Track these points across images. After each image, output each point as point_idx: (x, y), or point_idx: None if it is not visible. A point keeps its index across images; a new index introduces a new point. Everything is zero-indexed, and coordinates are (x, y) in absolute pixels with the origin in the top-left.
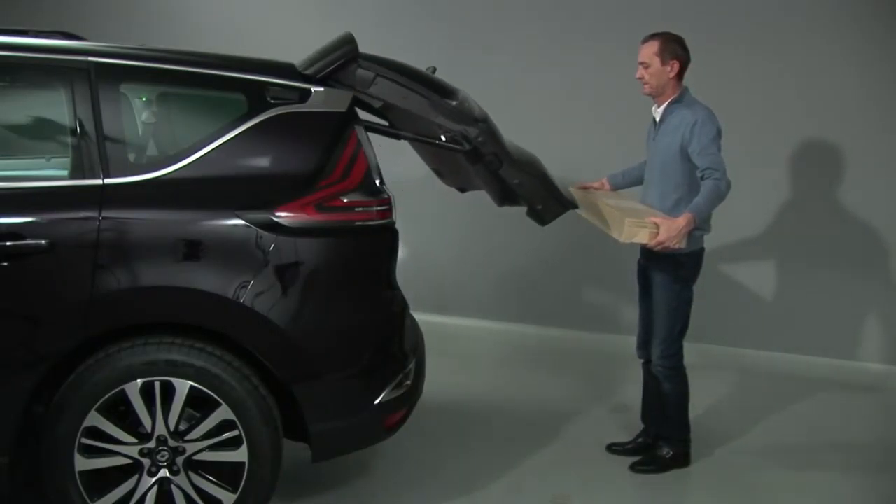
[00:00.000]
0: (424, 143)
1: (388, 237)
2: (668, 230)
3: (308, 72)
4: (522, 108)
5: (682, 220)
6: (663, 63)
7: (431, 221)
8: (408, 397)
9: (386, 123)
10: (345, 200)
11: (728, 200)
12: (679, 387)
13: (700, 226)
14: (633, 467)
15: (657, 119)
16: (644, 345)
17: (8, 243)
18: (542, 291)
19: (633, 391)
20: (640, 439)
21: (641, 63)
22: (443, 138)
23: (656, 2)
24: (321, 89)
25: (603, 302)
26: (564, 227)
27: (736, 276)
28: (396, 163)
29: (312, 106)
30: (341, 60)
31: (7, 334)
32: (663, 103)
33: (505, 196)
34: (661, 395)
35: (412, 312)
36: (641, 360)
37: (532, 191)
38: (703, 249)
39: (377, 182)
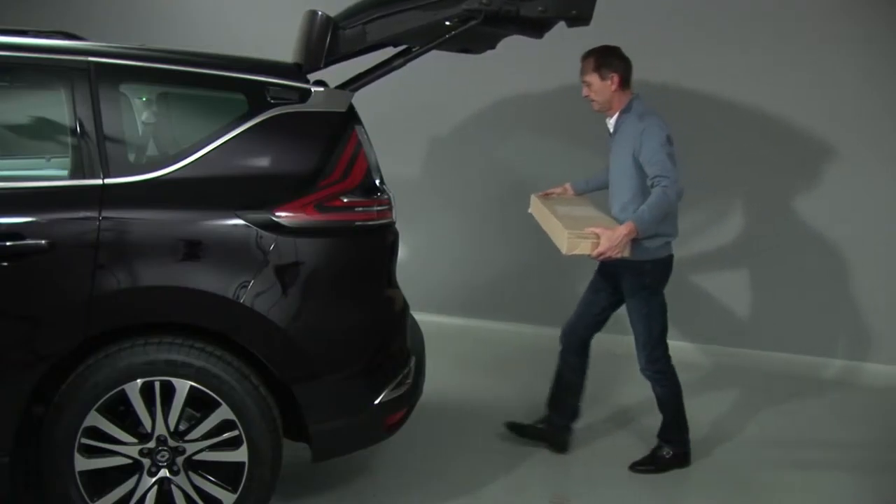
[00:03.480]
0: (444, 43)
1: (388, 237)
2: (608, 240)
3: (313, 67)
4: (514, 109)
5: (623, 230)
6: (603, 78)
7: (431, 221)
8: (408, 397)
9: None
10: (345, 200)
11: (726, 201)
12: (670, 388)
13: (662, 232)
14: (633, 467)
15: (611, 131)
16: (570, 332)
17: (8, 243)
18: (542, 291)
19: (633, 391)
20: (540, 425)
21: (584, 82)
22: (447, 24)
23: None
24: (321, 89)
25: None
26: None
27: (735, 277)
28: (396, 163)
29: (312, 106)
30: (329, 37)
31: (7, 334)
32: (614, 115)
33: (538, 27)
34: (656, 398)
35: (412, 312)
36: (560, 348)
37: (556, 6)
38: (671, 256)
39: (377, 182)
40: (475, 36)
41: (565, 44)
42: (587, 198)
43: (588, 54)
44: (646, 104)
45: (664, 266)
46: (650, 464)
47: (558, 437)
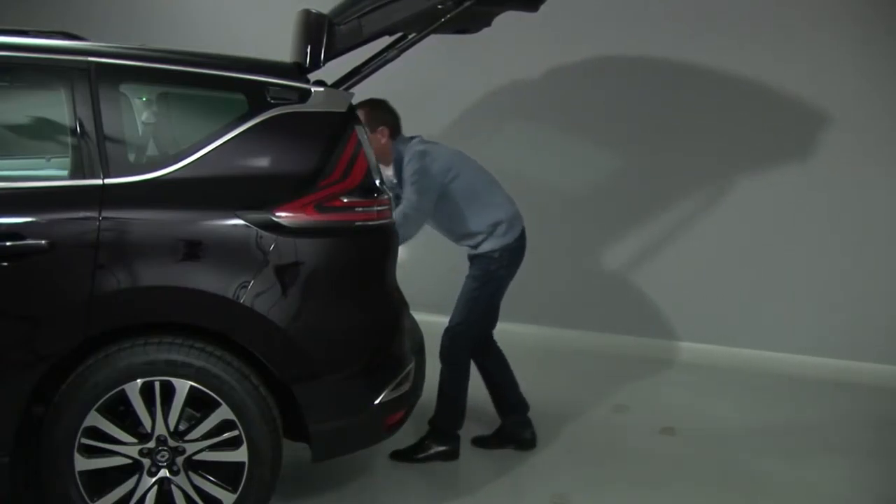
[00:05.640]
0: (441, 26)
1: (388, 237)
2: None
3: (313, 66)
4: (512, 103)
5: None
6: (373, 132)
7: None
8: (408, 397)
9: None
10: (345, 200)
11: (731, 199)
12: (457, 378)
13: (486, 227)
14: (394, 455)
15: (395, 181)
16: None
17: (8, 243)
18: (542, 291)
19: (632, 391)
20: (501, 432)
21: None
22: (440, 7)
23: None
24: (321, 89)
25: (602, 302)
26: (563, 227)
27: (734, 276)
28: None
29: (312, 106)
30: (325, 34)
31: (7, 334)
32: (390, 166)
33: (533, 0)
34: (440, 381)
35: (412, 312)
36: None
37: None
38: (517, 239)
39: (377, 182)
40: (470, 16)
41: (565, 33)
42: None
43: (356, 108)
44: (407, 138)
45: (512, 251)
46: (414, 453)
47: (522, 434)
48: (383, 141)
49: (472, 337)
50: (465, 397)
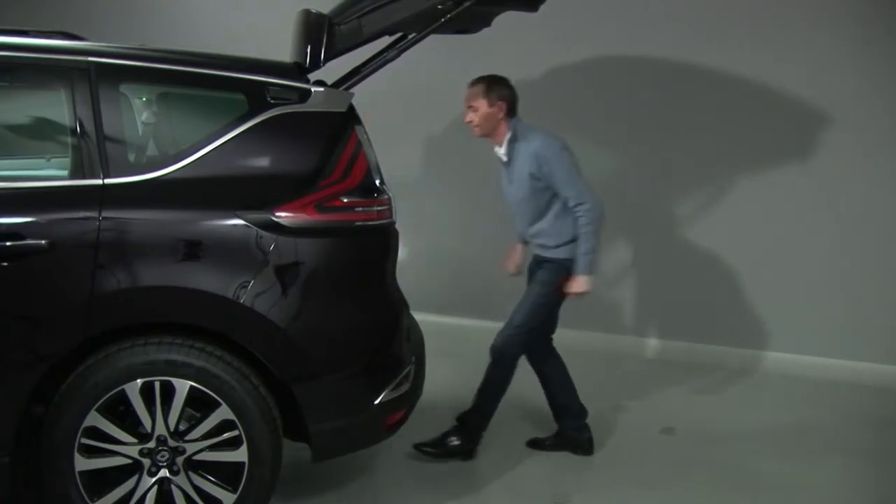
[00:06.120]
0: (442, 26)
1: (388, 237)
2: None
3: (315, 64)
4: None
5: (581, 284)
6: (490, 105)
7: (432, 221)
8: (408, 397)
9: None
10: (345, 200)
11: (730, 199)
12: (501, 378)
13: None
14: (417, 446)
15: (505, 160)
16: (530, 346)
17: (8, 243)
18: None
19: (633, 391)
20: (558, 436)
21: (469, 107)
22: (440, 7)
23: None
24: (321, 89)
25: (602, 302)
26: None
27: (733, 276)
28: (396, 163)
29: (312, 106)
30: (325, 34)
31: (7, 334)
32: (502, 143)
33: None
34: (483, 380)
35: (412, 312)
36: (529, 366)
37: None
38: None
39: (377, 182)
40: (470, 16)
41: (565, 33)
42: None
43: (478, 80)
44: (526, 122)
45: None
46: (434, 447)
47: (579, 439)
48: (500, 116)
49: (526, 341)
50: (499, 401)
